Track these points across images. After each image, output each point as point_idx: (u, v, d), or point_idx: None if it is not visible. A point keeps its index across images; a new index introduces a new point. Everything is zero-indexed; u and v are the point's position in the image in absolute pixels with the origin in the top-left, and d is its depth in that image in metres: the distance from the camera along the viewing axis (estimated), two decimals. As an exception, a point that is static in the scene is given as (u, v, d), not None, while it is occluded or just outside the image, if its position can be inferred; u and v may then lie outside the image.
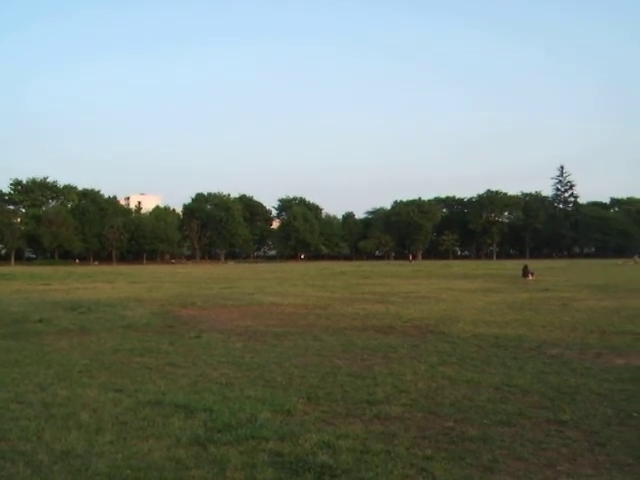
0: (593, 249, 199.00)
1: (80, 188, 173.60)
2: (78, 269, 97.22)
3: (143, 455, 7.04)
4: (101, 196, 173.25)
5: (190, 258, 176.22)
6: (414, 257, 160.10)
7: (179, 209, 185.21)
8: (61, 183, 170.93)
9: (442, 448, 7.32)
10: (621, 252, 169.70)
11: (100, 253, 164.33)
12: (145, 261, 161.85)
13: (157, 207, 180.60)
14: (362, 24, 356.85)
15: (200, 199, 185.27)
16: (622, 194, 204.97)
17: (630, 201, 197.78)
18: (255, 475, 6.44)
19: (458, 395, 9.85)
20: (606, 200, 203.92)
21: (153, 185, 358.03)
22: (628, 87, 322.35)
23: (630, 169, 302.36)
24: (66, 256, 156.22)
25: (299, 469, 6.58)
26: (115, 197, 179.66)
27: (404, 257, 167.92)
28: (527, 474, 6.56)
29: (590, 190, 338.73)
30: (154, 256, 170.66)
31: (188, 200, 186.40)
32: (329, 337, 16.60)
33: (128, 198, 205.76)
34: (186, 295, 32.73)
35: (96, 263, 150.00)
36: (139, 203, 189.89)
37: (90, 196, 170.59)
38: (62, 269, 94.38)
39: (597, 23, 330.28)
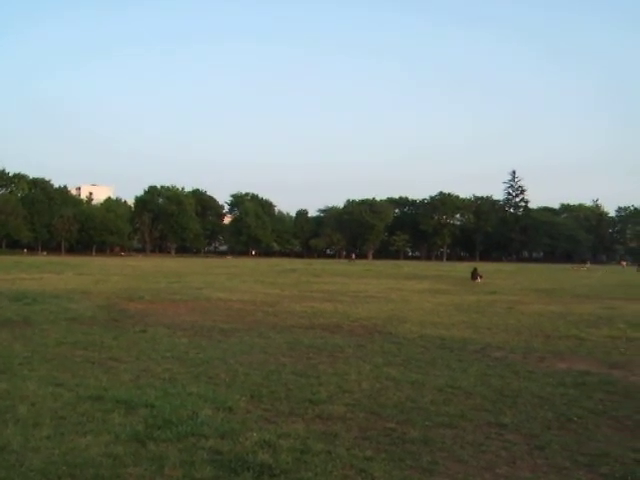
0: (541, 253, 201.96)
1: (31, 177, 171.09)
2: (26, 259, 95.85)
3: (80, 451, 6.89)
4: (51, 186, 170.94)
5: (140, 251, 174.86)
6: (354, 257, 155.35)
7: (131, 201, 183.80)
8: (11, 171, 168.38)
9: (383, 449, 7.31)
10: (569, 257, 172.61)
11: (49, 243, 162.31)
12: (94, 253, 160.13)
13: (108, 198, 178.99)
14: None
15: (152, 192, 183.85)
16: (573, 200, 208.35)
17: (579, 208, 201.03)
18: (193, 473, 6.36)
19: (401, 396, 9.86)
20: (556, 206, 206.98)
21: (105, 176, 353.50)
22: (591, 92, 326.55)
23: (582, 176, 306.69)
24: (14, 245, 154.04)
25: (238, 468, 6.51)
26: (66, 187, 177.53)
27: (356, 256, 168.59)
28: (466, 477, 6.58)
29: (542, 195, 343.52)
30: (104, 248, 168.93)
31: (140, 192, 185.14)
32: (275, 335, 16.54)
33: (79, 188, 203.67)
34: (134, 288, 32.41)
35: (44, 253, 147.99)
36: (90, 194, 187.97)
37: (40, 185, 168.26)
38: (9, 259, 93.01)
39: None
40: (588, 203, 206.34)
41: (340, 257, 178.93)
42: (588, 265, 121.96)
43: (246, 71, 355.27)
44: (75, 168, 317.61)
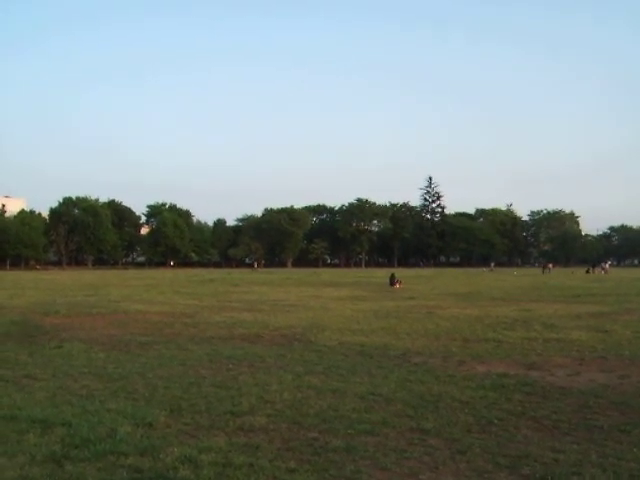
0: (458, 258, 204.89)
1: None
2: None
3: (-7, 474, 6.67)
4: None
5: (56, 264, 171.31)
6: (256, 265, 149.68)
7: (46, 213, 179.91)
8: None
9: (306, 460, 7.25)
10: (485, 261, 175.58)
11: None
12: (8, 267, 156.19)
13: (22, 211, 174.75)
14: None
15: (67, 203, 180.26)
16: (488, 205, 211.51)
17: (494, 212, 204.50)
18: (112, 493, 6.21)
19: (323, 405, 9.82)
20: (472, 211, 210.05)
21: (18, 188, 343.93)
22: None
23: (498, 180, 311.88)
24: None
25: (159, 485, 6.38)
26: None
27: (275, 264, 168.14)
28: (390, 484, 6.58)
29: (458, 200, 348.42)
30: (18, 262, 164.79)
31: (55, 204, 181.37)
32: (195, 346, 16.36)
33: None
34: (50, 302, 31.70)
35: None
36: (3, 206, 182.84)
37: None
38: None
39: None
40: (502, 207, 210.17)
41: (259, 266, 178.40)
42: (492, 266, 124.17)
43: (163, 74, 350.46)
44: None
